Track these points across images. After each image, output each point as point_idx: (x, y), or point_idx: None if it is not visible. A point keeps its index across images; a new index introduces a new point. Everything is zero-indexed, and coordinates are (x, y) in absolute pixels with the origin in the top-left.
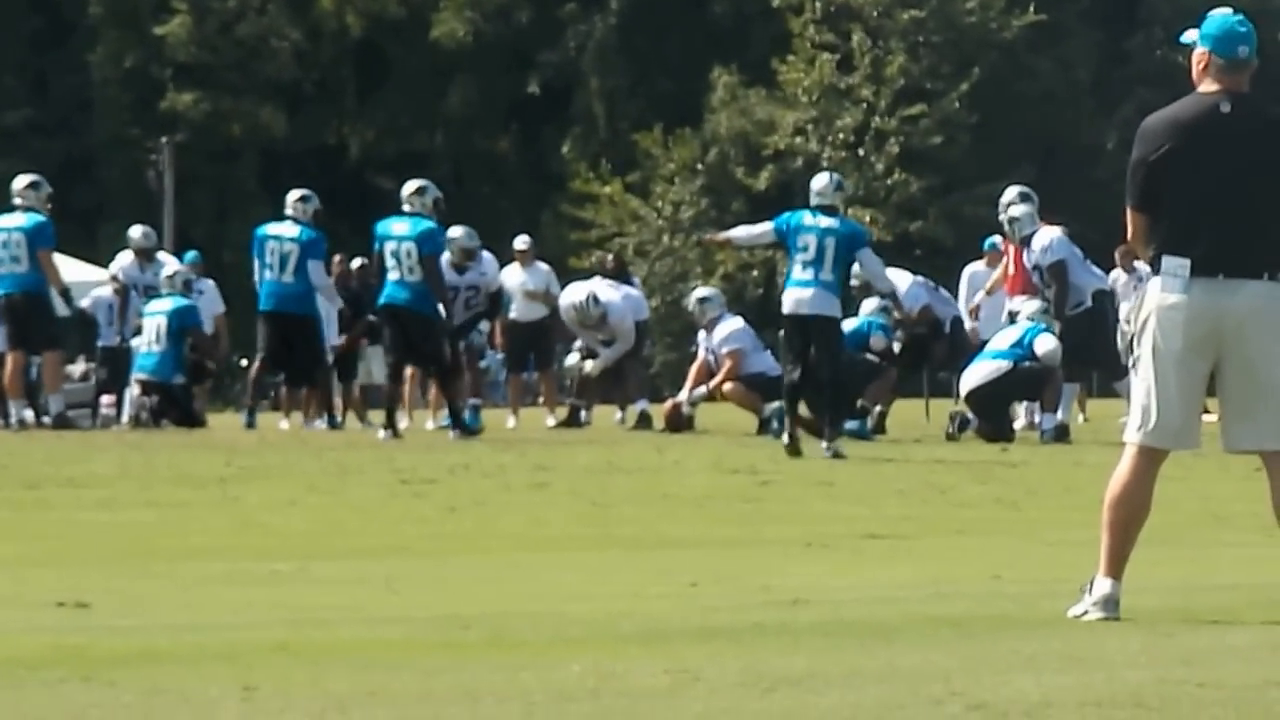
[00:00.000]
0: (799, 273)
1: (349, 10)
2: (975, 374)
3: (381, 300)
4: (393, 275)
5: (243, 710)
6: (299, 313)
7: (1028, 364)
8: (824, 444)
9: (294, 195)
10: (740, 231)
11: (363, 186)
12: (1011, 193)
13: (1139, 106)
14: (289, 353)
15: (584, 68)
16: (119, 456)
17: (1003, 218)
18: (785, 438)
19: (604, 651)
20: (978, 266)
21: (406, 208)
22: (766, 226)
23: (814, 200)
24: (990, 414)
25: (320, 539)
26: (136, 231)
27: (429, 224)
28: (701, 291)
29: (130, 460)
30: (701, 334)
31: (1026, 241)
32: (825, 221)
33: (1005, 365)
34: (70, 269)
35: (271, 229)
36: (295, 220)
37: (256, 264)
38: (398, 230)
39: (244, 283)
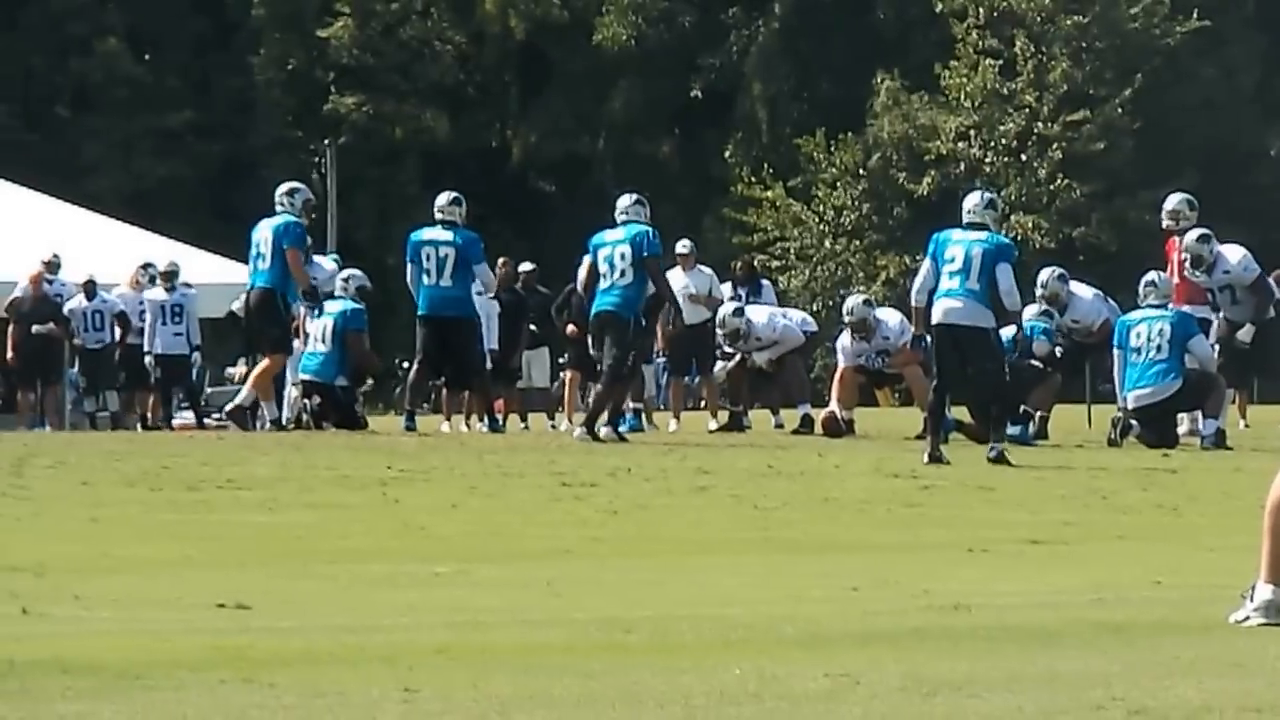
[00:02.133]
0: (946, 283)
1: (512, 14)
2: (1141, 391)
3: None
4: (604, 283)
5: (403, 712)
6: (458, 315)
7: (1193, 374)
8: (989, 446)
9: (444, 199)
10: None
11: (525, 190)
12: (1178, 200)
13: None
14: (447, 356)
15: (746, 72)
16: (279, 458)
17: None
18: (925, 454)
19: (765, 655)
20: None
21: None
22: (924, 263)
23: (965, 218)
24: (1154, 420)
25: (481, 542)
26: None
27: (642, 228)
28: (858, 298)
29: (290, 462)
30: (842, 341)
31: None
32: (973, 235)
33: (1175, 385)
34: (230, 271)
35: (426, 234)
36: (447, 223)
37: (411, 269)
38: (611, 238)
39: (405, 285)
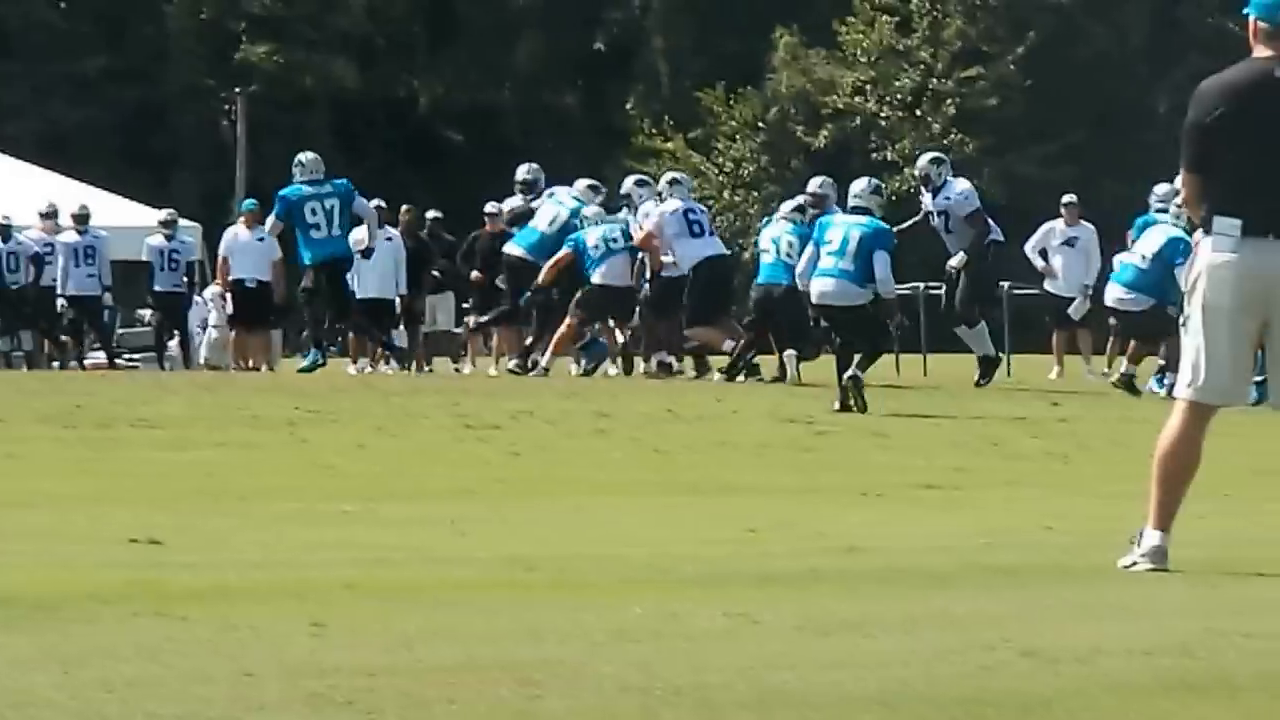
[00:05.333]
0: (823, 263)
1: None
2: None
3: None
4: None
5: (312, 646)
6: (346, 257)
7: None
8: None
9: (308, 156)
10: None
11: (432, 139)
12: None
13: (1190, 72)
14: (342, 299)
15: (648, 26)
16: (190, 398)
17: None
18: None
19: (665, 594)
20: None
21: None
22: (808, 248)
23: (851, 203)
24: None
25: (387, 481)
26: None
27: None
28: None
29: (201, 401)
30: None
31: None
32: (854, 219)
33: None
34: (136, 215)
35: (307, 190)
36: (315, 180)
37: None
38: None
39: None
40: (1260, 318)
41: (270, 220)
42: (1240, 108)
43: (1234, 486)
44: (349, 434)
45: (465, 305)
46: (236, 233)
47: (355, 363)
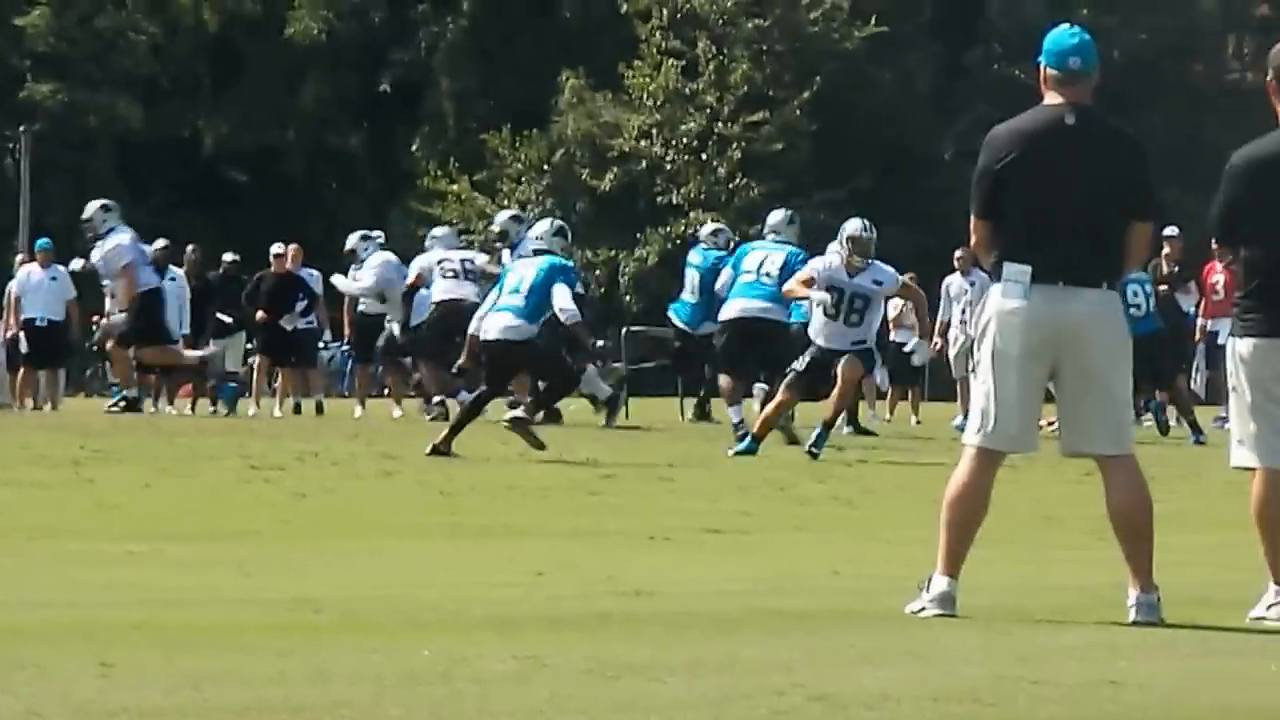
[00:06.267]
0: (742, 283)
1: (206, 6)
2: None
3: None
4: None
5: (100, 686)
6: None
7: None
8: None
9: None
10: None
11: (217, 179)
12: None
13: (977, 119)
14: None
15: (435, 67)
16: None
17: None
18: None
19: (453, 637)
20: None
21: None
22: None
23: (769, 236)
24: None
25: (173, 521)
26: None
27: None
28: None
29: None
30: None
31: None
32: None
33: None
34: None
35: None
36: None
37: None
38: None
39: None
40: (1049, 364)
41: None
42: (1031, 154)
43: (1022, 533)
44: (135, 474)
45: (249, 346)
46: (30, 272)
47: (156, 402)
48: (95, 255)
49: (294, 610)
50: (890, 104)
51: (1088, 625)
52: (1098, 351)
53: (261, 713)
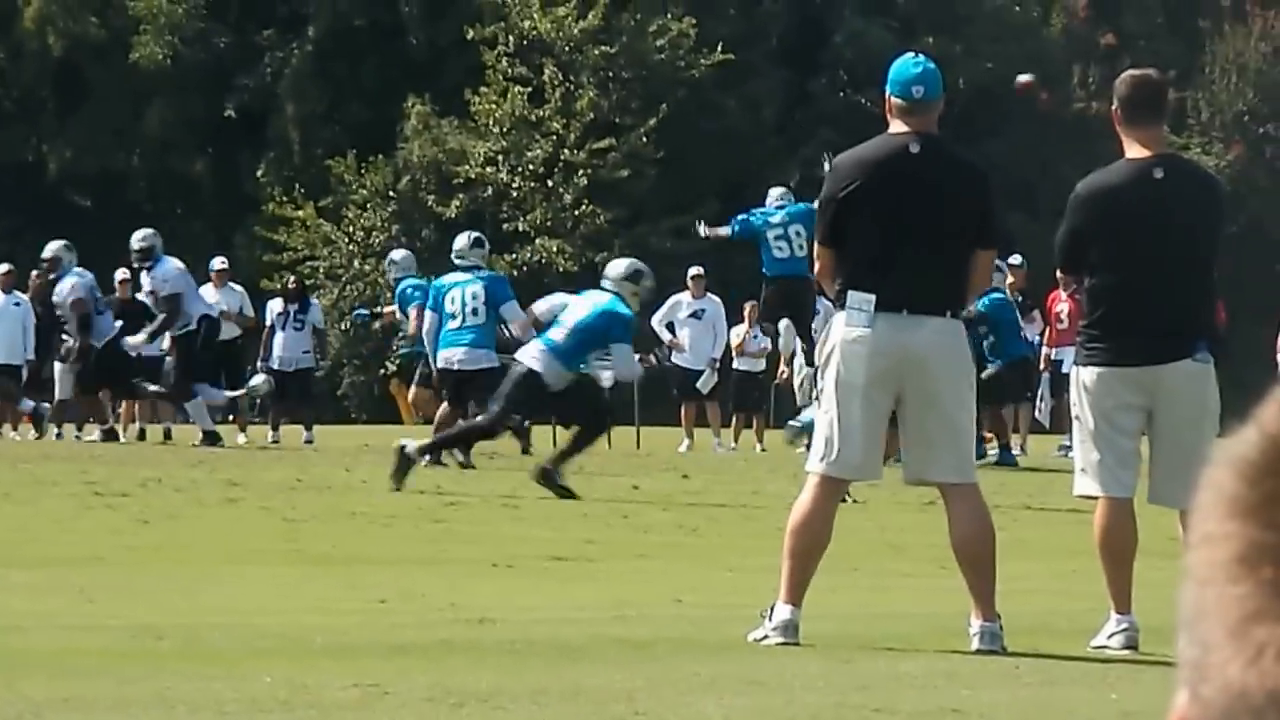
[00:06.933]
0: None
1: (50, 30)
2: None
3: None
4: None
5: None
6: None
7: None
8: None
9: None
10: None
11: (61, 203)
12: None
13: (821, 146)
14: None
15: (280, 93)
16: None
17: None
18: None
19: (295, 664)
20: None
21: None
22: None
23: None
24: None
25: (14, 548)
26: None
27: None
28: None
29: None
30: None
31: None
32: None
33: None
34: None
35: None
36: None
37: None
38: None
39: None
40: (894, 392)
41: None
42: (874, 182)
43: (865, 561)
44: None
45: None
46: None
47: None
48: None
49: (136, 637)
50: (736, 131)
51: (930, 653)
52: (942, 380)
53: None
